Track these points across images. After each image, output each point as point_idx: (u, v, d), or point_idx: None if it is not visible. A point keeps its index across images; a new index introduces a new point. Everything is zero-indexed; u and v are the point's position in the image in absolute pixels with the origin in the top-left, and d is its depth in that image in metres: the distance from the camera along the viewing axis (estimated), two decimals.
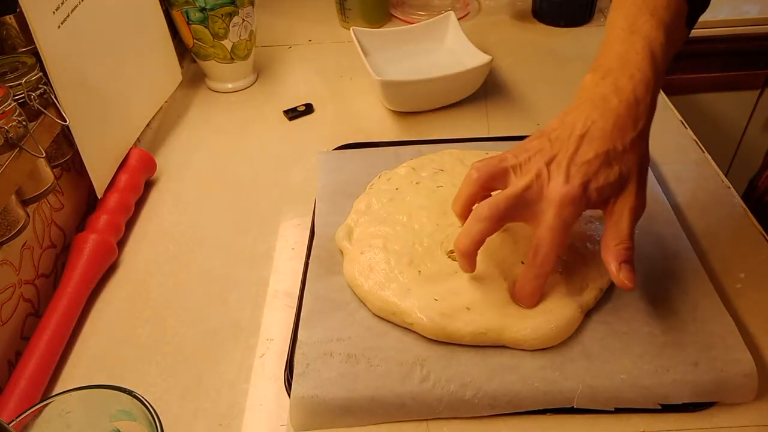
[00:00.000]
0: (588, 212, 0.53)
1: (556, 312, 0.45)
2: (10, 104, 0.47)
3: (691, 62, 1.00)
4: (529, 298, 0.45)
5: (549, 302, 0.46)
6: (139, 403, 0.34)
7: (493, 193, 0.45)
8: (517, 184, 0.43)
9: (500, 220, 0.43)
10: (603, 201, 0.42)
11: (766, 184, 0.70)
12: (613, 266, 0.42)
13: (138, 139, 0.69)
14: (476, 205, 0.44)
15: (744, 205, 0.59)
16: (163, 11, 0.75)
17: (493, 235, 0.50)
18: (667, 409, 0.43)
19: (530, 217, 0.43)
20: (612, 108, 0.42)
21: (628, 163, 0.42)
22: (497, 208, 0.42)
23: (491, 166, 0.44)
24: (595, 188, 0.41)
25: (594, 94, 0.43)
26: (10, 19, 0.53)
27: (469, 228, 0.43)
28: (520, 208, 0.43)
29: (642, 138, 0.42)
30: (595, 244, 0.50)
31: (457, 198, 0.47)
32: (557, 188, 0.41)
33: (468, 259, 0.45)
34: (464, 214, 0.46)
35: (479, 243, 0.44)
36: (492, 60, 0.72)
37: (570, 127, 0.43)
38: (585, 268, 0.48)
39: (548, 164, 0.42)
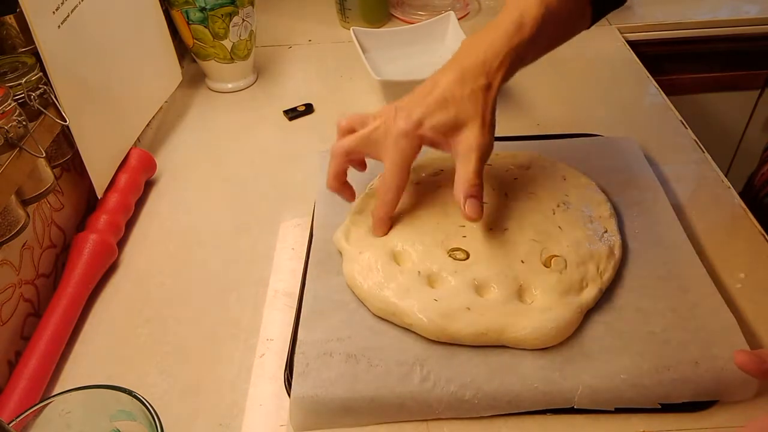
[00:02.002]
0: (588, 212, 0.53)
1: (556, 312, 0.45)
2: (10, 104, 0.47)
3: (691, 62, 1.00)
4: (376, 224, 0.51)
5: (549, 302, 0.46)
6: (139, 403, 0.34)
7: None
8: (368, 127, 0.50)
9: (348, 154, 0.51)
10: (442, 138, 0.48)
11: (761, 180, 0.70)
12: (461, 201, 0.47)
13: (138, 139, 0.69)
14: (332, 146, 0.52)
15: (744, 206, 0.59)
16: (163, 11, 0.75)
17: (493, 236, 0.50)
18: (667, 408, 0.43)
19: (380, 153, 0.49)
20: (460, 65, 0.48)
21: (467, 109, 0.47)
22: (347, 143, 0.51)
23: (353, 120, 0.52)
24: (430, 125, 0.47)
25: (456, 55, 0.50)
26: (10, 19, 0.53)
27: (328, 166, 0.52)
28: (371, 145, 0.50)
29: (485, 91, 0.47)
30: (594, 244, 0.50)
31: (328, 174, 0.53)
32: (397, 125, 0.48)
33: (338, 192, 0.54)
34: (336, 186, 0.53)
35: (337, 176, 0.52)
36: None
37: (423, 86, 0.50)
38: (585, 268, 0.48)
39: (396, 111, 0.49)
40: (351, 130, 0.51)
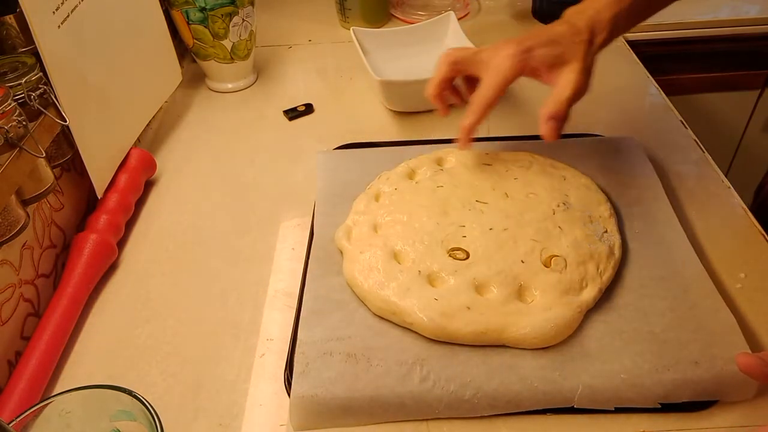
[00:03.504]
0: (588, 212, 0.53)
1: (556, 311, 0.45)
2: (10, 104, 0.47)
3: (691, 62, 1.00)
4: (463, 133, 0.55)
5: (549, 302, 0.46)
6: (139, 403, 0.34)
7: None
8: (475, 49, 0.55)
9: (454, 64, 0.55)
10: (546, 69, 0.52)
11: None
12: (543, 119, 0.51)
13: (138, 139, 0.69)
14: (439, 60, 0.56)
15: (744, 206, 0.59)
16: (163, 11, 0.75)
17: (493, 236, 0.50)
18: (667, 408, 0.43)
19: (483, 71, 0.53)
20: (570, 23, 0.53)
21: (573, 51, 0.51)
22: (452, 55, 0.56)
23: (460, 48, 0.57)
24: (538, 54, 0.52)
25: (564, 17, 0.55)
26: (10, 19, 0.53)
27: (433, 75, 0.56)
28: (477, 63, 0.54)
29: (588, 44, 0.52)
30: (594, 244, 0.50)
31: (431, 81, 0.56)
32: (506, 47, 0.52)
33: (436, 102, 0.57)
34: (436, 92, 0.57)
35: (439, 85, 0.56)
36: None
37: (533, 31, 0.54)
38: (585, 268, 0.48)
39: (506, 41, 0.53)
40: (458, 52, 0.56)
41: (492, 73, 0.52)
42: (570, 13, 0.54)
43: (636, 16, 0.55)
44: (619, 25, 0.53)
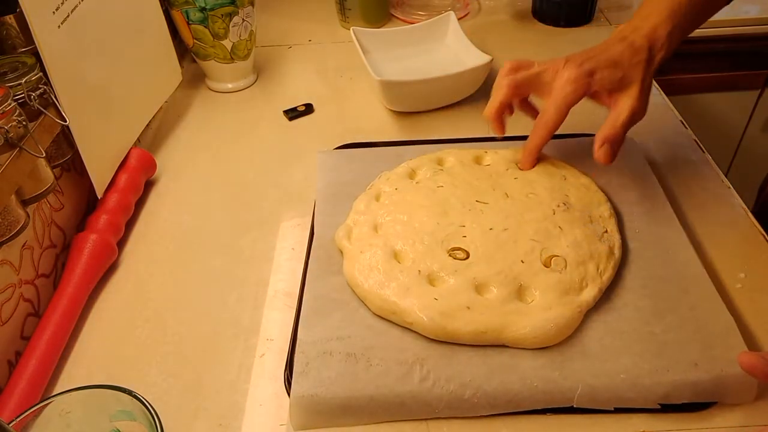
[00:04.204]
0: (588, 212, 0.53)
1: (556, 311, 0.45)
2: (10, 104, 0.47)
3: (691, 62, 1.00)
4: (527, 155, 0.56)
5: (549, 301, 0.46)
6: (139, 403, 0.34)
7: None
8: (538, 68, 0.55)
9: (516, 88, 0.55)
10: (606, 92, 0.53)
11: None
12: (598, 143, 0.52)
13: (138, 139, 0.69)
14: (499, 77, 0.56)
15: (744, 206, 0.59)
16: (163, 11, 0.75)
17: (493, 236, 0.50)
18: (667, 409, 0.43)
19: (544, 93, 0.54)
20: (629, 41, 0.53)
21: (634, 74, 0.52)
22: (514, 80, 0.55)
23: (518, 62, 0.57)
24: (599, 78, 0.52)
25: (620, 33, 0.55)
26: (10, 19, 0.53)
27: (492, 97, 0.56)
28: (539, 85, 0.55)
29: (647, 64, 0.52)
30: (594, 244, 0.50)
31: (491, 103, 0.56)
32: (567, 70, 0.52)
33: (493, 123, 0.57)
34: (497, 116, 0.56)
35: (499, 109, 0.55)
36: (492, 60, 0.72)
37: (591, 49, 0.54)
38: (585, 268, 0.48)
39: (567, 61, 0.53)
40: (517, 69, 0.56)
41: (555, 99, 0.52)
42: (626, 30, 0.54)
43: (688, 29, 0.55)
44: (675, 39, 0.54)
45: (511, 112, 0.58)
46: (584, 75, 0.52)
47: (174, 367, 0.49)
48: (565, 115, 0.53)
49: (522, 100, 0.59)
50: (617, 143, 0.52)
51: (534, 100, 0.60)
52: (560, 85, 0.52)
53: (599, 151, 0.52)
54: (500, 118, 0.56)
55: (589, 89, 0.52)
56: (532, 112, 0.60)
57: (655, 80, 0.79)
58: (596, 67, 0.52)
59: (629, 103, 0.52)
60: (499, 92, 0.55)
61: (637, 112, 0.52)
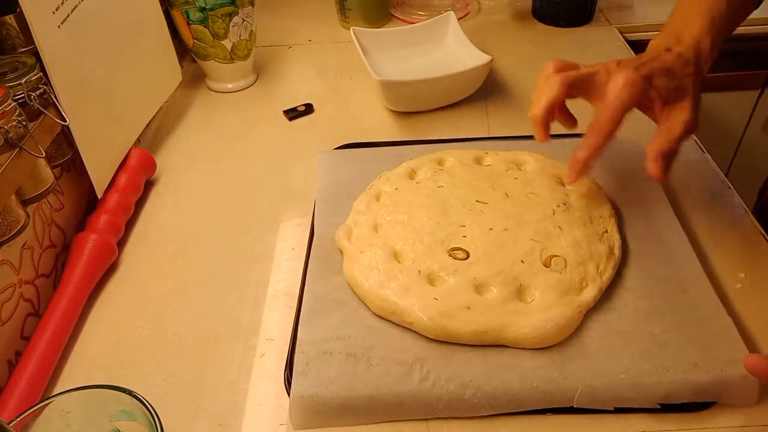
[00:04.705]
0: (587, 212, 0.53)
1: (556, 311, 0.45)
2: (10, 104, 0.47)
3: None
4: (580, 166, 0.50)
5: (549, 302, 0.46)
6: (139, 403, 0.34)
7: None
8: (589, 68, 0.51)
9: (569, 87, 0.50)
10: (660, 102, 0.49)
11: None
12: (652, 156, 0.48)
13: (138, 139, 0.69)
14: (546, 75, 0.51)
15: (744, 206, 0.59)
16: (163, 11, 0.75)
17: (493, 236, 0.50)
18: (667, 409, 0.43)
19: (596, 96, 0.50)
20: (677, 53, 0.50)
21: (687, 85, 0.49)
22: (567, 77, 0.50)
23: (565, 62, 0.52)
24: (656, 85, 0.48)
25: (663, 41, 0.52)
26: (10, 19, 0.53)
27: (539, 96, 0.51)
28: (592, 86, 0.50)
29: (697, 76, 0.50)
30: (594, 244, 0.50)
31: (539, 102, 0.51)
32: (623, 72, 0.48)
33: (540, 125, 0.51)
34: (545, 115, 0.51)
35: (549, 108, 0.50)
36: (492, 60, 0.72)
37: (642, 55, 0.51)
38: (585, 268, 0.48)
39: (619, 64, 0.50)
40: (565, 69, 0.51)
41: (612, 103, 0.48)
42: (669, 41, 0.51)
43: (727, 35, 0.53)
44: (716, 51, 0.51)
45: (554, 116, 0.53)
46: (642, 79, 0.48)
47: (174, 367, 0.49)
48: (621, 122, 0.48)
49: (561, 104, 0.54)
50: (671, 158, 0.48)
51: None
52: (617, 88, 0.48)
53: (653, 166, 0.48)
54: (547, 121, 0.51)
55: (647, 95, 0.48)
56: (570, 119, 0.56)
57: None
58: (652, 73, 0.48)
59: (683, 116, 0.48)
60: (551, 90, 0.50)
61: (692, 126, 0.49)
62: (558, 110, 0.54)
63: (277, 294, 0.54)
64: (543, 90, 0.50)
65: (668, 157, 0.48)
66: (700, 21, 0.50)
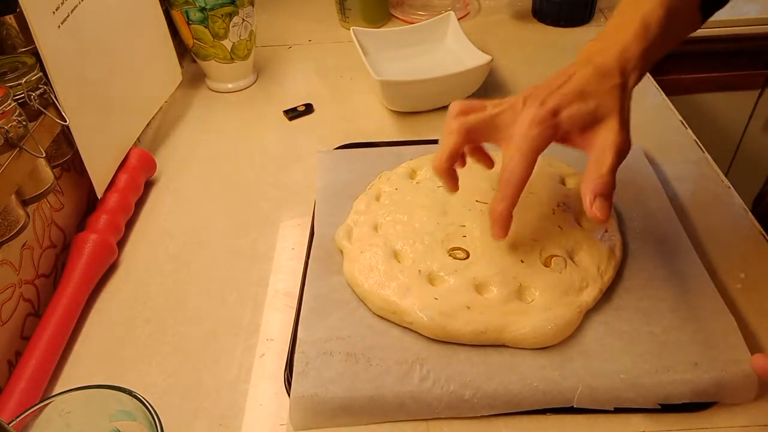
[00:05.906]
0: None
1: (556, 311, 0.45)
2: (10, 104, 0.47)
3: (691, 62, 1.00)
4: (497, 221, 0.45)
5: (549, 302, 0.46)
6: (139, 403, 0.34)
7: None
8: (491, 110, 0.46)
9: (467, 133, 0.46)
10: (578, 131, 0.44)
11: None
12: (588, 198, 0.42)
13: (138, 139, 0.69)
14: (446, 120, 0.47)
15: (744, 206, 0.59)
16: (163, 11, 0.75)
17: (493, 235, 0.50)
18: (667, 409, 0.43)
19: (502, 139, 0.45)
20: (594, 64, 0.45)
21: (606, 104, 0.44)
22: (465, 123, 0.46)
23: (470, 103, 0.47)
24: (567, 115, 0.43)
25: (585, 55, 0.47)
26: (10, 19, 0.53)
27: (440, 146, 0.46)
28: (494, 130, 0.46)
29: (622, 89, 0.44)
30: (594, 245, 0.50)
31: (440, 154, 0.47)
32: (529, 111, 0.44)
33: (444, 175, 0.47)
34: (447, 167, 0.47)
35: (450, 159, 0.46)
36: (492, 60, 0.72)
37: (553, 78, 0.46)
38: (585, 268, 0.48)
39: (525, 99, 0.45)
40: (467, 112, 0.47)
41: (518, 147, 0.43)
42: (591, 51, 0.46)
43: (662, 49, 0.48)
44: (649, 60, 0.46)
45: (463, 162, 0.50)
46: (549, 114, 0.43)
47: (174, 367, 0.49)
48: (533, 165, 0.43)
49: (474, 147, 0.50)
50: (610, 192, 0.42)
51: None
52: (523, 129, 0.43)
53: (591, 209, 0.42)
54: (452, 171, 0.47)
55: (558, 131, 0.43)
56: (487, 160, 0.52)
57: (655, 80, 0.79)
58: (562, 101, 0.44)
59: (610, 137, 0.43)
60: (448, 139, 0.46)
61: (623, 148, 0.43)
62: (471, 151, 0.51)
63: (277, 294, 0.54)
64: (443, 140, 0.46)
65: (606, 194, 0.42)
66: (631, 27, 0.45)
